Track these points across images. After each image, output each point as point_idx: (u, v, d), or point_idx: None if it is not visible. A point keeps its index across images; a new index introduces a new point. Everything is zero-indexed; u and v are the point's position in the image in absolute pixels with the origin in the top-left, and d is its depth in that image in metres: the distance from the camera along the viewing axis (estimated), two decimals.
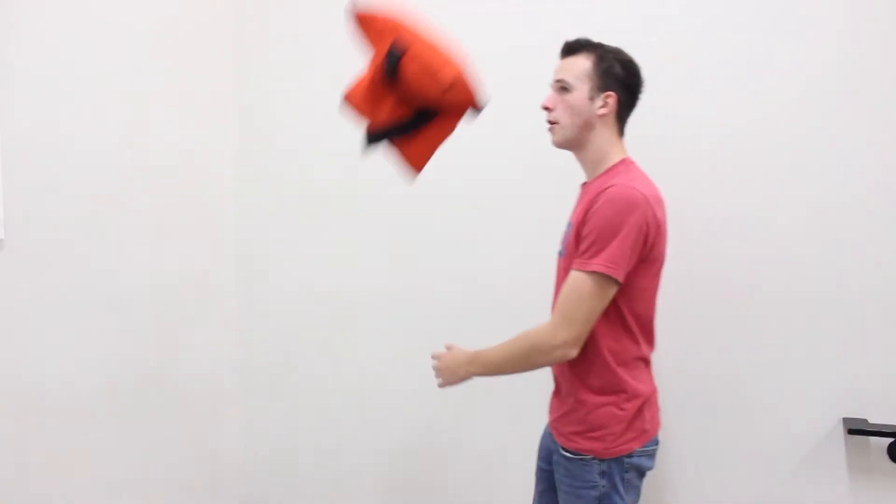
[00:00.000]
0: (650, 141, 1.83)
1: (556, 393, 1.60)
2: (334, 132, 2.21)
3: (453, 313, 2.05)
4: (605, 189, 1.43)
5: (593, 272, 1.39)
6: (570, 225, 1.54)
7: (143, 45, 1.99)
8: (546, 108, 1.55)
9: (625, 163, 1.52)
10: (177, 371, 2.13)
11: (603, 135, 1.53)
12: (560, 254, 1.59)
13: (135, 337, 1.98)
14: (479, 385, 1.78)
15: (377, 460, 2.20)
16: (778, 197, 1.73)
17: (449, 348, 1.63)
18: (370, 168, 2.16)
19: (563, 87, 1.52)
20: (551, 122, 1.55)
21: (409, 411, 2.14)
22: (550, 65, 1.72)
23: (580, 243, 1.43)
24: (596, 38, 1.55)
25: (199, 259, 2.23)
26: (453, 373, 1.59)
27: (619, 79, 1.52)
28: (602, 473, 1.47)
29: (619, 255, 1.38)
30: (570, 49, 1.55)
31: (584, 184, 1.58)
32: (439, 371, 1.61)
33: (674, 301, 1.81)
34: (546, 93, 1.55)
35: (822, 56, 1.69)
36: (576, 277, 1.41)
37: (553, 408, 1.60)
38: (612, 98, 1.50)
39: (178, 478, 2.15)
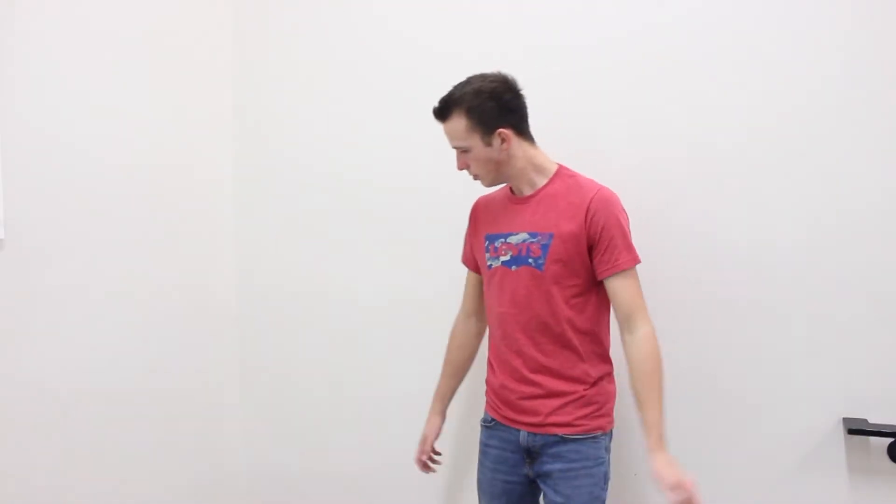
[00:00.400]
0: (655, 143, 1.84)
1: (533, 396, 1.59)
2: (334, 133, 2.21)
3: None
4: (593, 197, 1.53)
5: (632, 266, 1.54)
6: (534, 234, 1.56)
7: (143, 46, 1.98)
8: (462, 168, 1.62)
9: (564, 168, 1.61)
10: (177, 372, 2.12)
11: (520, 159, 1.59)
12: (510, 264, 1.59)
13: (134, 338, 1.97)
14: (481, 389, 1.78)
15: (380, 468, 2.19)
16: (778, 197, 1.74)
17: (668, 476, 1.45)
18: (370, 169, 2.17)
19: (461, 151, 1.59)
20: (475, 176, 1.63)
21: (411, 418, 2.13)
22: (556, 67, 1.74)
23: (601, 252, 1.53)
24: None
25: (199, 260, 2.22)
26: (673, 464, 1.47)
27: (497, 111, 1.54)
28: (606, 448, 1.60)
29: (632, 242, 1.56)
30: (441, 115, 1.58)
31: (529, 196, 1.60)
32: (680, 484, 1.44)
33: (674, 301, 1.82)
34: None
35: (824, 60, 1.71)
36: (627, 277, 1.53)
37: (533, 410, 1.59)
38: (503, 132, 1.54)
39: (177, 486, 2.13)
